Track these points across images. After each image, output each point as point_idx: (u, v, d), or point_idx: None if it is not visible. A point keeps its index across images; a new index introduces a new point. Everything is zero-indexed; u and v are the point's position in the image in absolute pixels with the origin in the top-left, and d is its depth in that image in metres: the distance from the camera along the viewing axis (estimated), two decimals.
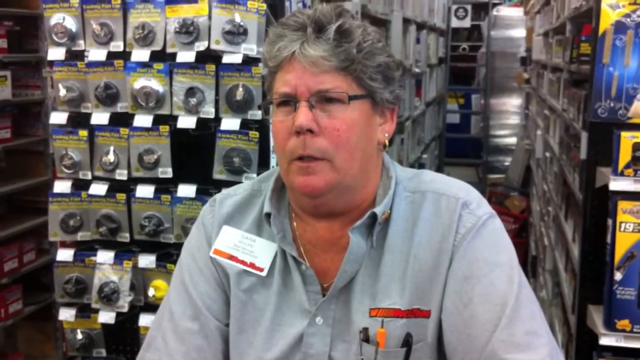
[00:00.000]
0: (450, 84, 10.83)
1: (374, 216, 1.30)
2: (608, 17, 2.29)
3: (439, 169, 9.36)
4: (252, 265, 1.38)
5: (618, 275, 2.23)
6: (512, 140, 10.25)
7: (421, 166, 7.26)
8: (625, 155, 2.22)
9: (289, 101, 1.27)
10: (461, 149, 10.87)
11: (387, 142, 1.36)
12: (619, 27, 2.29)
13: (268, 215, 1.36)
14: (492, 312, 1.23)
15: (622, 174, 2.24)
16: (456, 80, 11.64)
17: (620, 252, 2.23)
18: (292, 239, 1.37)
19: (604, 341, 2.32)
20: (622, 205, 2.22)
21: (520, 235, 6.95)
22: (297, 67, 1.25)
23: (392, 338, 1.28)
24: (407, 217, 1.33)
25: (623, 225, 2.22)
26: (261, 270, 1.38)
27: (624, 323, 2.27)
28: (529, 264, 6.29)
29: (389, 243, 1.32)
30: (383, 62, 1.29)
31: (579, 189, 2.94)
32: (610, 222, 2.26)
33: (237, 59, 2.46)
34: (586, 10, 3.03)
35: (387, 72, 1.31)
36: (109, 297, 2.59)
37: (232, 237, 1.41)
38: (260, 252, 1.39)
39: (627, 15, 2.27)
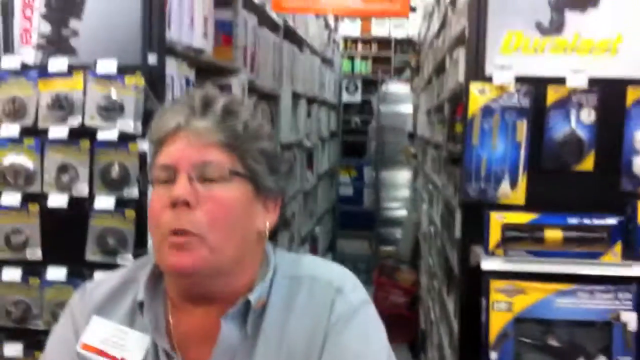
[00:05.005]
0: (343, 157, 11.02)
1: (248, 303, 1.24)
2: (476, 101, 2.38)
3: (332, 242, 9.40)
4: None
5: (494, 355, 2.25)
6: (403, 212, 10.46)
7: (313, 239, 7.27)
8: (495, 234, 2.28)
9: (169, 180, 1.22)
10: (355, 221, 10.98)
11: (267, 232, 1.31)
12: (486, 111, 2.38)
13: (141, 304, 1.28)
14: None
15: (493, 254, 2.29)
16: (349, 153, 11.87)
17: (494, 331, 2.25)
18: (166, 331, 1.28)
19: None
20: (495, 284, 2.26)
21: (412, 308, 7.02)
22: (181, 139, 1.22)
23: None
24: (282, 305, 1.27)
25: (496, 304, 2.26)
26: None
27: None
28: (420, 338, 6.33)
29: (263, 333, 1.25)
30: (268, 148, 1.28)
31: (456, 266, 2.99)
32: (484, 301, 2.30)
33: (113, 135, 2.39)
34: (460, 92, 3.16)
35: (272, 160, 1.29)
36: None
37: (102, 329, 1.31)
38: (133, 345, 1.29)
39: (494, 100, 2.38)
